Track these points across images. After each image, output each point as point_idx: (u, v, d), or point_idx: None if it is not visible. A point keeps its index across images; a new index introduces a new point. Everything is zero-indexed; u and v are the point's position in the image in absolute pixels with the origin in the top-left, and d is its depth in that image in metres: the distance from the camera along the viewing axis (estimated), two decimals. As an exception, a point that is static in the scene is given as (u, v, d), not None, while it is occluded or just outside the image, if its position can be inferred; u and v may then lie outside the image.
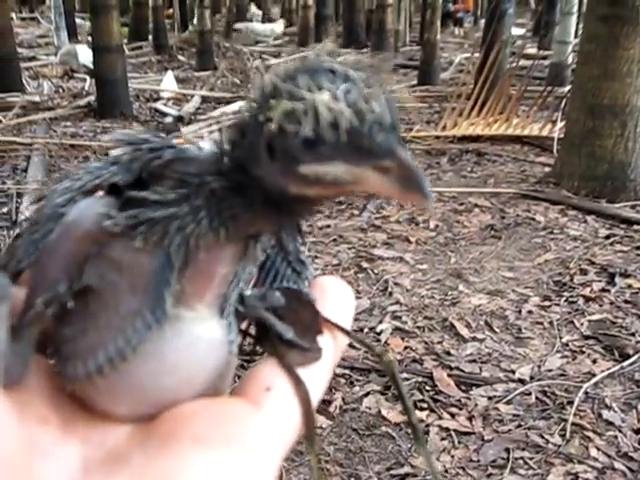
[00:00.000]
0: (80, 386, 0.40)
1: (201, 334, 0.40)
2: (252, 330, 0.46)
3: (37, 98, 6.73)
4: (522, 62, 5.66)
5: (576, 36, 7.44)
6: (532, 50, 8.53)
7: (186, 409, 0.39)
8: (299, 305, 0.45)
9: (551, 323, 2.63)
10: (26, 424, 0.37)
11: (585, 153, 3.94)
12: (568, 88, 5.75)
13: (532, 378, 2.29)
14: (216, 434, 0.37)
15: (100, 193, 0.41)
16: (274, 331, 0.44)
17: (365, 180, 0.33)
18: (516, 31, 8.20)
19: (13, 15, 7.46)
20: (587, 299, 2.81)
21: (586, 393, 2.20)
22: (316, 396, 0.41)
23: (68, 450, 0.39)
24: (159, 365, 0.39)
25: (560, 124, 4.85)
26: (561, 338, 2.53)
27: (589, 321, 2.65)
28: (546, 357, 2.41)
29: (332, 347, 0.44)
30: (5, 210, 3.74)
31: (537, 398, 2.19)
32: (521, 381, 2.27)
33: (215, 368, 0.41)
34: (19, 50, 7.53)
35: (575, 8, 7.47)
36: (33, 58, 9.55)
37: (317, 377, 0.42)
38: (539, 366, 2.36)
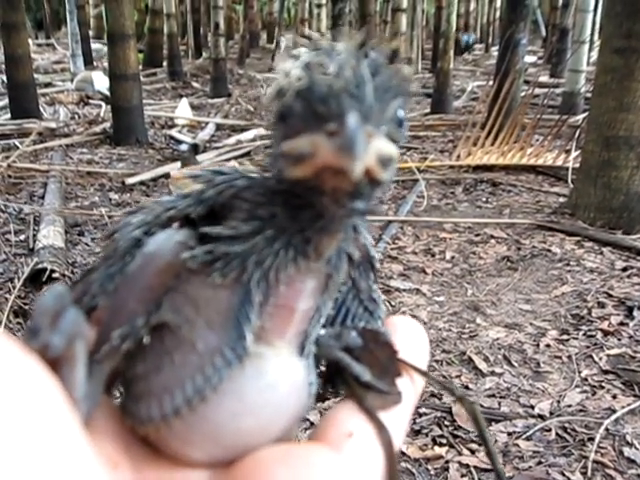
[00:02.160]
0: (153, 428, 0.38)
1: (282, 373, 0.39)
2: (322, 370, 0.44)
3: (53, 124, 6.80)
4: (535, 90, 5.67)
5: (588, 65, 7.48)
6: (544, 78, 8.55)
7: (265, 455, 0.37)
8: (376, 346, 0.42)
9: (570, 357, 2.62)
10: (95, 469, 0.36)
11: (601, 184, 3.94)
12: (581, 117, 5.77)
13: (552, 414, 2.27)
14: None
15: (175, 225, 0.40)
16: (350, 373, 0.42)
17: (319, 148, 0.32)
18: (528, 59, 8.23)
19: (30, 41, 7.52)
20: (605, 333, 2.79)
21: (607, 429, 2.18)
22: (398, 441, 0.39)
23: None
24: (239, 405, 0.37)
25: (574, 153, 4.86)
26: (580, 373, 2.51)
27: (608, 355, 2.63)
28: (565, 392, 2.39)
29: (411, 390, 0.42)
30: (22, 237, 3.76)
31: (557, 434, 2.18)
32: (541, 417, 2.26)
33: (295, 411, 0.39)
34: (35, 76, 7.60)
35: (587, 37, 7.50)
36: (49, 84, 9.66)
37: (398, 421, 0.40)
38: (558, 401, 2.34)
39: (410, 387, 0.42)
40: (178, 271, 0.38)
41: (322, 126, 0.31)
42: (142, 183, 4.92)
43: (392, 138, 0.34)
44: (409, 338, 0.44)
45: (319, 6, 11.07)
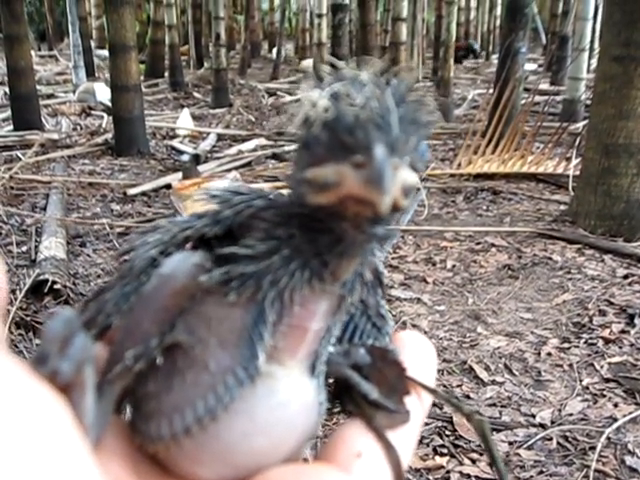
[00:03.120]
0: (163, 447, 0.38)
1: (294, 393, 0.39)
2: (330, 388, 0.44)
3: (56, 136, 6.83)
4: (535, 98, 5.68)
5: (588, 72, 7.49)
6: (544, 86, 8.57)
7: (274, 475, 0.37)
8: (384, 364, 0.42)
9: (571, 366, 2.62)
10: None
11: (601, 192, 3.95)
12: (582, 124, 5.78)
13: (553, 422, 2.27)
14: None
15: (189, 246, 0.40)
16: (359, 391, 0.41)
17: (345, 178, 0.32)
18: (528, 66, 8.25)
19: (32, 53, 7.55)
20: (607, 341, 2.79)
21: (608, 438, 2.18)
22: (406, 461, 0.39)
23: None
24: (250, 425, 0.37)
25: (575, 161, 4.86)
26: (581, 381, 2.51)
27: (609, 364, 2.63)
28: (566, 401, 2.39)
29: (419, 408, 0.41)
30: (24, 248, 3.77)
31: (558, 443, 2.17)
32: (542, 426, 2.26)
33: (305, 430, 0.39)
34: (38, 87, 7.63)
35: (587, 45, 7.52)
36: (52, 96, 9.70)
37: (406, 440, 0.40)
38: (559, 410, 2.34)
39: (418, 405, 0.41)
40: (193, 293, 0.38)
41: (349, 157, 0.32)
42: (144, 194, 4.93)
43: (414, 167, 0.34)
44: (417, 354, 0.43)
45: (320, 16, 11.09)
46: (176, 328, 0.38)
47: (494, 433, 2.22)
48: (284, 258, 0.37)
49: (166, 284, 0.39)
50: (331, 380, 0.44)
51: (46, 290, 3.03)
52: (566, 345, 2.78)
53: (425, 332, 2.88)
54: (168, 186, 4.86)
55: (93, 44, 14.06)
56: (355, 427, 0.40)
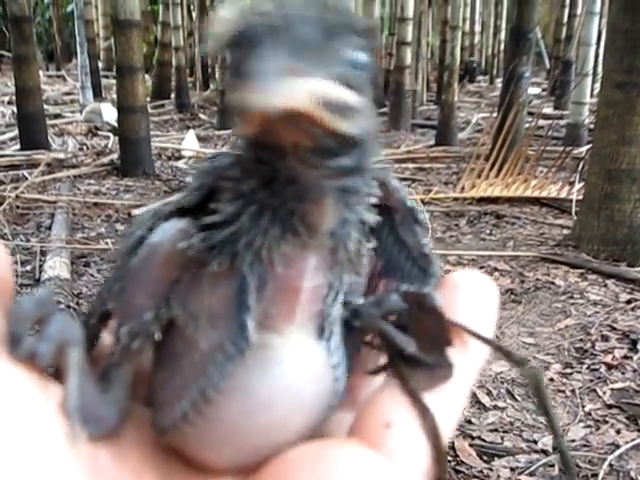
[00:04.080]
0: (172, 437, 0.37)
1: (293, 361, 0.35)
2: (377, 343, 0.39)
3: (62, 155, 6.86)
4: (539, 122, 5.71)
5: (592, 96, 7.52)
6: (548, 110, 8.61)
7: (292, 456, 0.34)
8: (421, 311, 0.37)
9: (573, 391, 2.61)
10: None
11: (604, 217, 3.96)
12: (585, 149, 5.79)
13: (555, 449, 2.26)
14: None
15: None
16: (393, 345, 0.37)
17: (244, 96, 0.28)
18: (532, 90, 8.29)
19: (40, 73, 7.61)
20: (609, 366, 2.78)
21: (610, 465, 2.17)
22: (448, 427, 0.33)
23: None
24: (248, 403, 0.35)
25: (578, 186, 4.87)
26: (583, 407, 2.50)
27: (612, 390, 2.62)
28: (569, 427, 2.39)
29: (467, 361, 0.36)
30: (29, 268, 3.78)
31: (561, 470, 2.16)
32: (544, 452, 2.25)
33: (318, 400, 0.36)
34: (45, 107, 7.68)
35: (590, 69, 7.56)
36: (59, 115, 9.76)
37: (449, 402, 0.34)
38: (562, 436, 2.34)
39: (465, 358, 0.36)
40: (182, 261, 0.36)
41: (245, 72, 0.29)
42: (148, 214, 4.94)
43: (349, 83, 0.30)
44: (469, 296, 0.38)
45: (325, 39, 11.20)
46: (171, 303, 0.37)
47: (495, 459, 2.21)
48: (252, 216, 0.34)
49: (153, 254, 0.38)
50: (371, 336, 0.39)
51: (50, 310, 3.04)
52: (568, 370, 2.77)
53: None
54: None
55: (100, 65, 14.17)
56: (389, 392, 0.35)
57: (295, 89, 0.28)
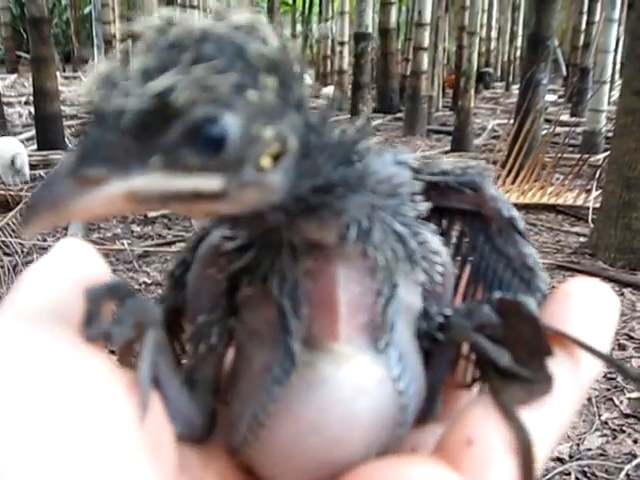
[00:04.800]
0: (241, 455, 0.37)
1: (339, 379, 0.34)
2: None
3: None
4: (556, 129, 5.69)
5: (609, 104, 7.49)
6: (565, 117, 8.57)
7: (364, 473, 0.32)
8: (516, 319, 0.34)
9: (589, 400, 2.59)
10: None
11: (621, 225, 3.93)
12: (602, 156, 5.76)
13: (571, 457, 2.25)
14: None
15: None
16: (486, 357, 0.35)
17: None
18: (548, 97, 8.26)
19: (57, 74, 7.66)
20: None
21: (627, 475, 2.15)
22: (544, 448, 0.30)
23: None
24: (296, 426, 0.34)
25: (595, 193, 4.85)
26: (600, 416, 2.49)
27: (629, 399, 2.60)
28: (585, 435, 2.37)
29: (573, 375, 0.33)
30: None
31: (577, 478, 2.15)
32: (560, 460, 2.23)
33: (376, 416, 0.34)
34: (62, 108, 7.73)
35: (608, 77, 7.53)
36: (75, 116, 9.81)
37: (547, 421, 0.31)
38: (578, 445, 2.32)
39: (571, 371, 0.33)
40: (221, 277, 0.37)
41: None
42: (164, 216, 4.96)
43: (187, 164, 0.28)
44: (585, 306, 0.34)
45: (342, 44, 11.19)
46: (225, 313, 0.37)
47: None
48: (262, 246, 0.35)
49: (197, 266, 0.39)
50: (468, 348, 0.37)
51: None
52: (585, 379, 2.75)
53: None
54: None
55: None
56: (479, 406, 0.32)
57: (91, 199, 0.28)
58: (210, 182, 0.28)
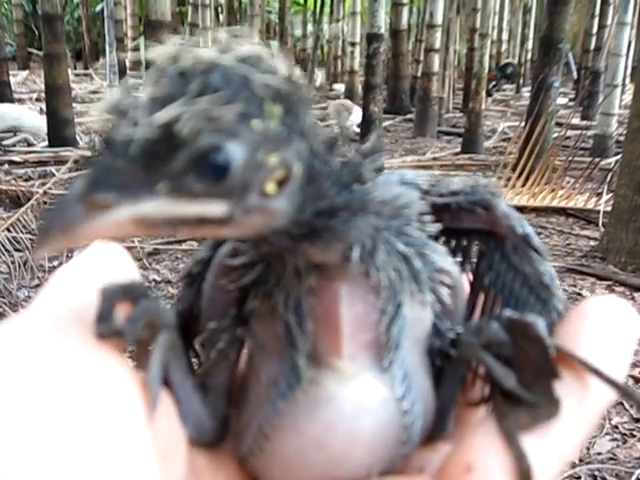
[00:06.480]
0: (248, 464, 0.37)
1: (341, 397, 0.34)
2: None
3: (89, 153, 6.91)
4: (567, 133, 5.67)
5: (620, 107, 7.46)
6: (576, 120, 8.54)
7: None
8: (524, 340, 0.34)
9: (600, 404, 2.58)
10: None
11: (633, 229, 3.92)
12: (613, 160, 5.75)
13: (581, 461, 2.24)
14: None
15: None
16: (492, 377, 0.35)
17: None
18: (559, 100, 8.24)
19: (69, 71, 7.69)
20: (636, 380, 2.75)
21: (638, 479, 2.14)
22: (545, 475, 0.29)
23: None
24: (299, 440, 0.34)
25: (606, 197, 4.83)
26: (610, 420, 2.48)
27: (639, 403, 2.59)
28: (595, 439, 2.36)
29: (582, 400, 0.31)
30: (55, 263, 3.82)
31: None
32: (570, 463, 2.23)
33: (379, 435, 0.34)
34: (73, 105, 7.76)
35: (620, 81, 7.50)
36: (86, 113, 9.84)
37: (550, 446, 0.30)
38: (588, 449, 2.31)
39: (581, 396, 0.31)
40: (231, 288, 0.38)
41: None
42: (174, 214, 4.98)
43: (184, 194, 0.29)
44: (601, 328, 0.33)
45: (353, 44, 11.20)
46: (235, 322, 0.38)
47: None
48: (265, 265, 0.36)
49: (211, 279, 0.40)
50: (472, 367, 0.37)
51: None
52: (595, 383, 2.74)
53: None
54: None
55: (128, 65, 14.27)
56: (483, 428, 0.31)
57: (100, 224, 0.29)
58: (215, 208, 0.29)
